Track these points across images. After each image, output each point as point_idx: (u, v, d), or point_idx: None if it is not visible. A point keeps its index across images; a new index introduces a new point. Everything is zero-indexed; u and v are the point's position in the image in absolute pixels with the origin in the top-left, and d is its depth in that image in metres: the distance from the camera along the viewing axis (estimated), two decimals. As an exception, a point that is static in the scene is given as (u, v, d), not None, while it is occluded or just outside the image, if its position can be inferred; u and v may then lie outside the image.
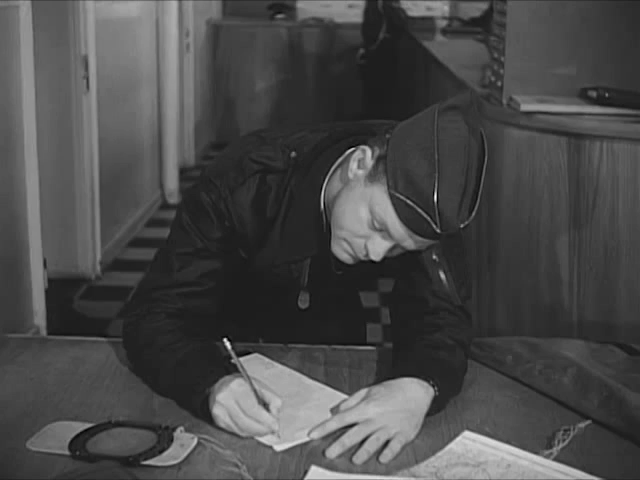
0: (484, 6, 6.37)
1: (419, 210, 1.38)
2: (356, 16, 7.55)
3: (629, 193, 2.53)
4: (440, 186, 1.37)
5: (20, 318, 3.49)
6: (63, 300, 4.13)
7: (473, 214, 1.40)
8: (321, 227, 1.56)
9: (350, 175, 1.48)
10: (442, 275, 1.59)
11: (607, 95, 2.68)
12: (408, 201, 1.38)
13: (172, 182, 6.11)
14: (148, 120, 5.76)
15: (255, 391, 1.39)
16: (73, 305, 4.20)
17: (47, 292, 3.68)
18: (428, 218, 1.38)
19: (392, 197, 1.40)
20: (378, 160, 1.44)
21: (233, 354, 1.39)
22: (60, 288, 4.16)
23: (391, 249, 1.47)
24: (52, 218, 4.13)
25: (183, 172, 6.46)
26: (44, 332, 3.60)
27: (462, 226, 1.40)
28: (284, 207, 1.56)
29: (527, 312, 2.79)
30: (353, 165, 1.48)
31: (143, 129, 5.65)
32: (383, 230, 1.44)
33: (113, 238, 4.86)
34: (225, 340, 1.39)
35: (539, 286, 2.73)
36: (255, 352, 1.70)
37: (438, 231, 1.39)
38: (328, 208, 1.54)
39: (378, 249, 1.45)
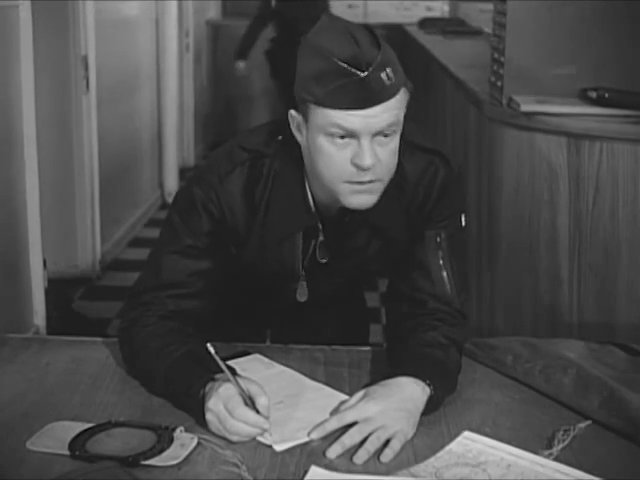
0: (483, 6, 6.36)
1: (339, 82, 1.40)
2: (356, 16, 7.55)
3: (629, 193, 2.53)
4: (334, 50, 1.41)
5: (20, 318, 3.49)
6: (63, 300, 4.12)
7: (380, 43, 1.42)
8: (307, 203, 1.57)
9: (303, 142, 1.51)
10: (445, 278, 1.60)
11: (607, 96, 2.68)
12: (330, 86, 1.41)
13: (172, 182, 6.11)
14: (148, 120, 5.76)
15: (241, 393, 1.39)
16: (73, 305, 4.19)
17: (47, 292, 3.67)
18: (349, 78, 1.40)
19: (318, 104, 1.43)
20: (300, 110, 1.49)
21: (217, 358, 1.39)
22: (60, 288, 4.15)
23: (376, 143, 1.45)
24: (52, 218, 4.12)
25: (183, 172, 6.46)
26: (44, 332, 3.59)
27: (378, 58, 1.40)
28: (269, 187, 1.57)
29: (527, 312, 2.79)
30: (297, 133, 1.52)
31: (143, 129, 5.65)
32: (346, 136, 1.44)
33: (113, 238, 4.87)
34: (209, 345, 1.39)
35: (539, 286, 2.73)
36: (255, 352, 1.70)
37: (365, 74, 1.39)
38: (311, 179, 1.56)
39: (364, 154, 1.44)
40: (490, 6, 3.37)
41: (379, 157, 1.45)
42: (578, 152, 2.58)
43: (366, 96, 1.41)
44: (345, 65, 1.40)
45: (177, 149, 6.34)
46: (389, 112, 1.43)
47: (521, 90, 2.82)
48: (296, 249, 1.62)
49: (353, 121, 1.42)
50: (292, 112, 1.51)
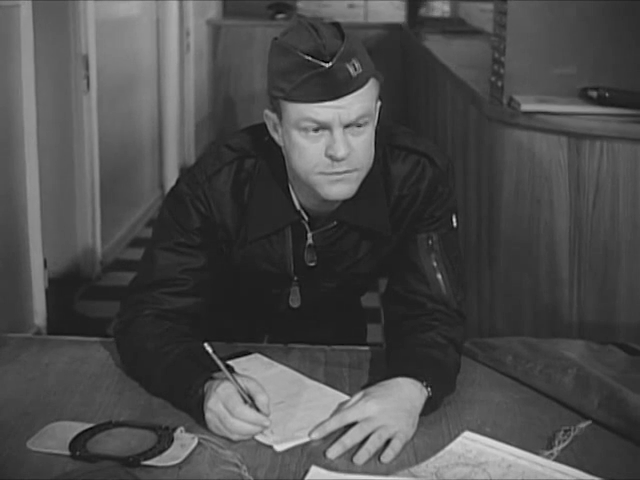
0: (483, 6, 6.36)
1: (305, 74, 1.42)
2: (357, 16, 7.56)
3: (629, 193, 2.53)
4: (297, 45, 1.43)
5: (20, 318, 3.49)
6: (63, 300, 4.13)
7: (345, 35, 1.44)
8: (290, 201, 1.58)
9: (280, 141, 1.52)
10: (440, 280, 1.60)
11: (607, 95, 2.68)
12: (296, 80, 1.42)
13: (172, 182, 6.09)
14: (148, 120, 5.76)
15: (240, 391, 1.39)
16: (73, 305, 4.20)
17: (47, 292, 3.68)
18: (314, 70, 1.41)
19: (288, 99, 1.45)
20: (273, 109, 1.50)
21: (215, 357, 1.39)
22: (60, 288, 4.16)
23: (349, 134, 1.46)
24: (52, 218, 4.12)
25: (183, 172, 6.45)
26: (44, 332, 3.60)
27: (341, 48, 1.42)
28: (254, 186, 1.59)
29: (527, 312, 2.79)
30: (274, 133, 1.53)
31: (143, 129, 5.65)
32: (319, 129, 1.45)
33: (113, 238, 4.86)
34: (206, 345, 1.39)
35: (539, 286, 2.73)
36: (255, 352, 1.70)
37: (329, 64, 1.41)
38: (292, 180, 1.57)
39: (337, 145, 1.45)
40: (490, 6, 3.38)
41: (353, 147, 1.46)
42: (578, 152, 2.58)
43: (333, 87, 1.42)
44: (309, 57, 1.42)
45: (177, 149, 6.34)
46: (359, 103, 1.44)
47: (521, 90, 2.82)
48: (286, 250, 1.62)
49: (323, 113, 1.43)
50: (267, 112, 1.53)
